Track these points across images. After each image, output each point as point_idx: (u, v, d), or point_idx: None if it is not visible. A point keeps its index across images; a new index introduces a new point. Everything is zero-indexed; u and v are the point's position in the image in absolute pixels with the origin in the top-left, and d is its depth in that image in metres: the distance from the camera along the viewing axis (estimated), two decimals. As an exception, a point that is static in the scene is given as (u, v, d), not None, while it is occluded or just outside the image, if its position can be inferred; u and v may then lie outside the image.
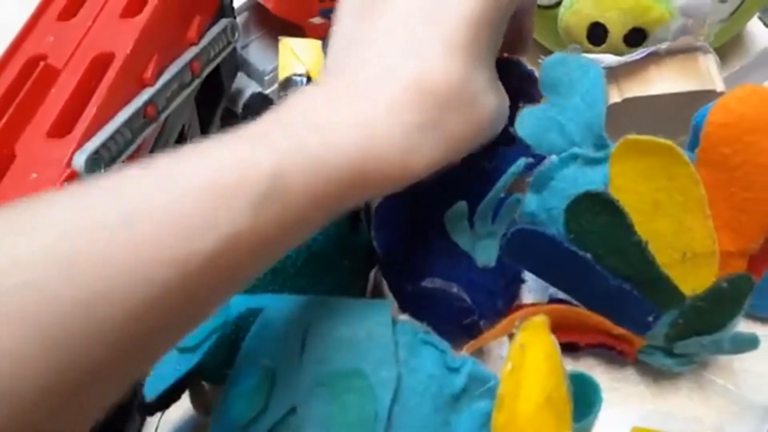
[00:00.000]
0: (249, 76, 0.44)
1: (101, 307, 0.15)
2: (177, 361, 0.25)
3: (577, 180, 0.30)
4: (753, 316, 0.34)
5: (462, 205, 0.31)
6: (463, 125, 0.25)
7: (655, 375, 0.33)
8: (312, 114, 0.22)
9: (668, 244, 0.28)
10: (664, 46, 0.35)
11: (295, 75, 0.32)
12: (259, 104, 0.30)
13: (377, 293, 0.35)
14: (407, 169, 0.23)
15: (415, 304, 0.33)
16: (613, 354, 0.33)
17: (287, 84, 0.31)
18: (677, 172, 0.27)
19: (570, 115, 0.30)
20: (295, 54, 0.33)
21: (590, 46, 0.39)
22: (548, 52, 0.42)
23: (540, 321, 0.24)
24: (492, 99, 0.26)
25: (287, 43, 0.33)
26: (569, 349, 0.33)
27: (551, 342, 0.24)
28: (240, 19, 0.46)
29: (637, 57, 0.35)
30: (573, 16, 0.38)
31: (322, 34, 0.45)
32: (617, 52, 0.35)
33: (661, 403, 0.33)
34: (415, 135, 0.23)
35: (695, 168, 0.27)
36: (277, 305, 0.26)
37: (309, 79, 0.31)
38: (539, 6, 0.42)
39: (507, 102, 0.28)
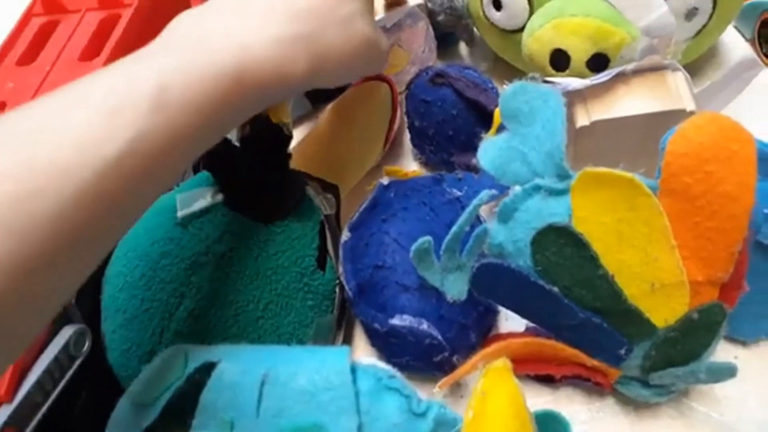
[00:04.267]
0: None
1: (32, 204, 0.19)
2: (134, 417, 0.25)
3: (540, 211, 0.29)
4: (734, 340, 0.33)
5: (427, 240, 0.30)
6: (338, 42, 0.27)
7: (636, 404, 0.32)
8: (194, 29, 0.25)
9: (636, 275, 0.27)
10: (631, 66, 0.35)
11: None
12: (218, 147, 0.30)
13: (349, 331, 0.35)
14: (283, 76, 0.25)
15: (385, 341, 0.32)
16: (592, 385, 0.32)
17: (244, 124, 0.31)
18: (639, 203, 0.26)
19: (531, 144, 0.30)
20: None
21: (554, 72, 0.38)
22: (521, 73, 0.42)
23: (502, 365, 0.24)
24: (367, 27, 0.28)
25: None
26: (548, 380, 0.33)
27: (514, 386, 0.24)
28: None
29: (604, 79, 0.35)
30: (535, 43, 0.38)
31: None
32: (581, 77, 0.35)
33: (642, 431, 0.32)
34: (288, 45, 0.25)
35: (658, 197, 0.26)
36: (234, 357, 0.25)
37: (267, 118, 0.31)
38: (504, 30, 0.42)
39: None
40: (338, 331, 0.34)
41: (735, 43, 0.46)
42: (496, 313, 0.34)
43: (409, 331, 0.31)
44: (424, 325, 0.31)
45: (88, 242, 0.20)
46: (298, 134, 0.38)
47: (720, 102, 0.38)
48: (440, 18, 0.44)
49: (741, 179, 0.25)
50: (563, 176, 0.29)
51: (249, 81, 0.24)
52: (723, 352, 0.33)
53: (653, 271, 0.27)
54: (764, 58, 0.45)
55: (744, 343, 0.33)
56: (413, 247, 0.30)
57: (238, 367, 0.25)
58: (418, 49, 0.45)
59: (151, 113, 0.21)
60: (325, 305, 0.32)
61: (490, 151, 0.31)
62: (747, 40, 0.46)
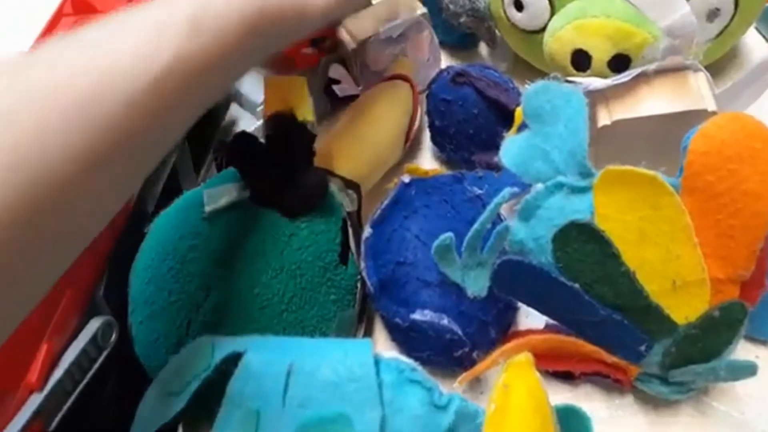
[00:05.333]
0: (242, 106, 0.45)
1: (96, 104, 0.21)
2: (163, 405, 0.25)
3: (563, 209, 0.29)
4: (754, 339, 0.33)
5: (449, 237, 0.30)
6: None
7: (656, 402, 0.32)
8: None
9: (657, 273, 0.27)
10: (652, 66, 0.35)
11: (279, 113, 0.32)
12: (245, 144, 0.31)
13: (370, 326, 0.35)
14: (302, 12, 0.29)
15: (406, 336, 0.33)
16: (611, 382, 0.32)
17: (271, 122, 0.32)
18: (661, 201, 0.26)
19: (554, 143, 0.30)
20: (279, 92, 0.33)
21: (575, 72, 0.38)
22: (541, 74, 0.42)
23: (524, 359, 0.24)
24: None
25: (272, 81, 0.33)
26: (567, 377, 0.33)
27: (536, 380, 0.24)
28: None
29: (626, 79, 0.35)
30: (556, 43, 0.38)
31: (313, 63, 0.46)
32: (602, 78, 0.35)
33: (661, 430, 0.32)
34: None
35: (680, 196, 0.26)
36: (260, 347, 0.26)
37: (293, 116, 0.32)
38: (525, 31, 0.42)
39: None
40: (359, 326, 0.34)
41: (756, 45, 0.46)
42: (516, 309, 0.35)
43: (430, 326, 0.31)
44: (445, 321, 0.31)
45: (140, 144, 0.23)
46: (318, 133, 0.39)
47: (741, 102, 0.38)
48: (462, 20, 0.45)
49: (763, 177, 0.25)
50: (585, 174, 0.29)
51: (271, 15, 0.27)
52: (743, 351, 0.33)
53: (675, 269, 0.27)
54: (786, 58, 0.45)
55: (765, 343, 0.33)
56: (435, 244, 0.31)
57: (264, 358, 0.25)
58: (423, 59, 0.45)
59: (188, 36, 0.23)
60: (347, 300, 0.32)
61: (512, 149, 0.31)
62: (767, 40, 0.46)
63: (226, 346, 0.26)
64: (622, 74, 0.35)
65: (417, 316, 0.31)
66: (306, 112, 0.32)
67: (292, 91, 0.32)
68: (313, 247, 0.31)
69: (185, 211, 0.31)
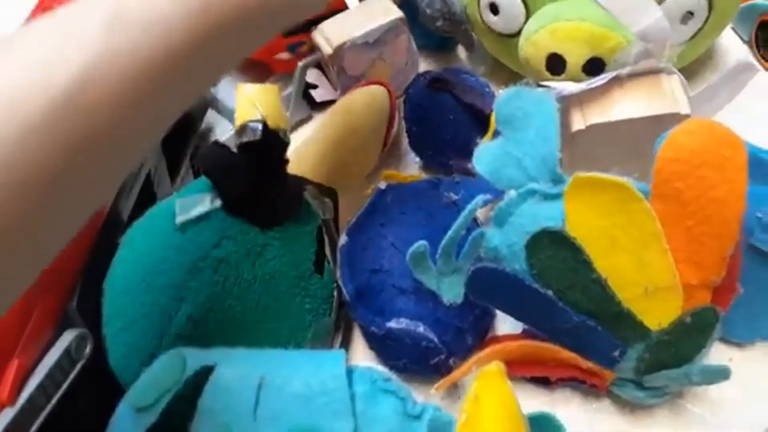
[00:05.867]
0: (219, 112, 0.44)
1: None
2: (134, 421, 0.25)
3: (535, 216, 0.29)
4: (729, 342, 0.34)
5: (422, 244, 0.30)
6: None
7: (632, 405, 0.33)
8: None
9: (629, 279, 0.28)
10: (626, 70, 0.35)
11: (250, 122, 0.32)
12: (216, 153, 0.30)
13: (347, 334, 0.35)
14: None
15: (383, 344, 0.32)
16: (587, 387, 0.32)
17: (243, 131, 0.31)
18: (631, 207, 0.26)
19: (526, 149, 0.30)
20: (251, 100, 0.33)
21: (550, 76, 0.38)
22: (519, 77, 0.42)
23: (494, 369, 0.24)
24: None
25: (243, 90, 0.33)
26: (544, 382, 0.33)
27: (507, 389, 0.24)
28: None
29: (600, 83, 0.35)
30: (531, 47, 0.38)
31: (290, 69, 0.46)
32: (577, 81, 0.35)
33: (638, 432, 0.32)
34: None
35: (651, 202, 0.27)
36: (231, 361, 0.26)
37: (265, 125, 0.31)
38: (501, 34, 0.42)
39: None
40: (336, 334, 0.34)
41: (732, 46, 0.46)
42: (492, 316, 0.35)
43: (406, 334, 0.31)
44: (421, 328, 0.31)
45: (44, 180, 0.18)
46: (296, 139, 0.39)
47: (716, 105, 0.38)
48: (438, 24, 0.44)
49: (732, 185, 0.25)
50: (557, 181, 0.29)
51: (201, 9, 0.21)
52: (718, 353, 0.33)
53: (646, 275, 0.27)
54: (762, 60, 0.45)
55: (739, 345, 0.34)
56: (409, 251, 0.31)
57: (235, 372, 0.25)
58: (401, 63, 0.45)
59: (102, 41, 0.19)
60: (323, 308, 0.32)
61: (485, 155, 0.31)
62: (744, 42, 0.46)
63: (197, 359, 0.26)
64: (596, 78, 0.35)
65: (393, 324, 0.31)
66: (278, 119, 0.32)
67: (264, 98, 0.32)
68: (287, 256, 0.31)
69: (157, 222, 0.31)
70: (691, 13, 0.38)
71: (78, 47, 0.19)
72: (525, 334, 0.33)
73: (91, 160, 0.20)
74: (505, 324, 0.36)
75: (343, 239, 0.34)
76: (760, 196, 0.29)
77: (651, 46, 0.35)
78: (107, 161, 0.20)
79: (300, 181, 0.33)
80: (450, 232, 0.30)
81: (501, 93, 0.31)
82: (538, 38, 0.37)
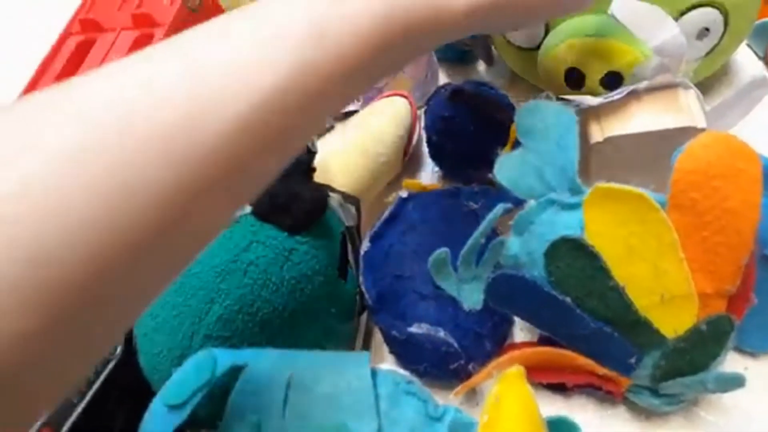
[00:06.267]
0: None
1: (193, 134, 0.18)
2: (166, 418, 0.26)
3: (554, 224, 0.30)
4: (743, 351, 0.34)
5: (444, 252, 0.31)
6: None
7: (647, 413, 0.33)
8: None
9: (646, 288, 0.28)
10: (643, 84, 0.36)
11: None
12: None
13: (368, 338, 0.36)
14: (437, 17, 0.23)
15: (404, 348, 0.33)
16: (603, 393, 0.33)
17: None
18: (648, 218, 0.27)
19: (546, 160, 0.31)
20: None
21: (569, 90, 0.39)
22: (537, 90, 0.43)
23: (515, 372, 0.25)
24: None
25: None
26: (560, 389, 0.34)
27: (527, 392, 0.25)
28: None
29: (618, 96, 0.36)
30: (550, 61, 0.39)
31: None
32: (595, 94, 0.36)
33: (653, 440, 0.33)
34: None
35: (667, 212, 0.27)
36: (260, 361, 0.26)
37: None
38: (521, 48, 0.44)
39: None
40: (358, 338, 0.35)
41: (747, 61, 0.47)
42: (511, 322, 0.35)
43: (426, 339, 0.32)
44: (441, 333, 0.32)
45: (241, 175, 0.19)
46: (320, 148, 0.40)
47: (731, 119, 0.38)
48: (466, 41, 0.46)
49: (747, 197, 0.26)
50: (576, 191, 0.30)
51: (400, 22, 0.22)
52: (733, 362, 0.34)
53: (663, 284, 0.28)
54: (776, 75, 0.46)
55: (753, 355, 0.34)
56: (431, 258, 0.31)
57: (265, 371, 0.26)
58: (421, 75, 0.46)
59: (308, 46, 0.20)
60: (346, 313, 0.33)
61: (506, 166, 0.32)
62: (760, 58, 0.47)
63: (227, 359, 0.27)
64: (614, 92, 0.36)
65: (414, 329, 0.32)
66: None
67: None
68: (313, 261, 0.32)
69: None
70: (707, 30, 0.39)
71: (285, 50, 0.19)
72: (542, 342, 0.33)
73: (275, 157, 0.20)
74: (523, 332, 0.37)
75: (365, 245, 0.35)
76: (775, 208, 0.29)
77: (668, 60, 0.36)
78: (284, 157, 0.21)
79: (325, 189, 0.34)
80: (471, 240, 0.31)
81: (522, 105, 0.32)
82: (557, 52, 0.38)
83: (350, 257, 0.35)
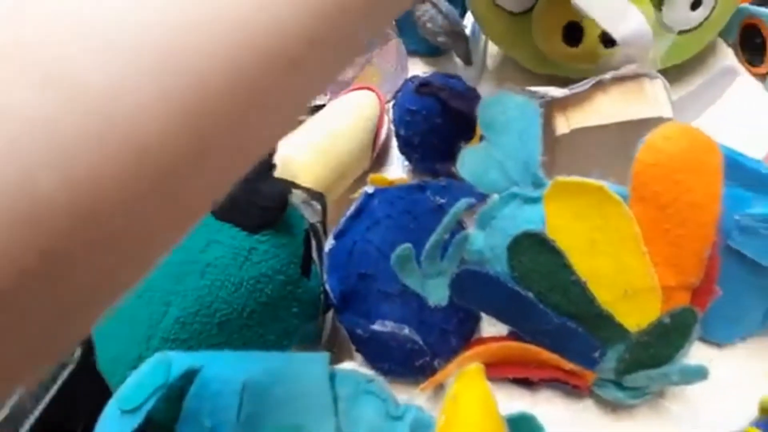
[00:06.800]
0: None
1: None
2: (120, 423, 0.25)
3: (517, 219, 0.30)
4: (710, 343, 0.34)
5: (407, 247, 0.31)
6: None
7: (614, 405, 0.33)
8: None
9: (608, 282, 0.28)
10: (609, 75, 0.36)
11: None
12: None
13: (335, 337, 0.36)
14: None
15: (368, 347, 0.33)
16: (570, 387, 0.33)
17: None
18: (610, 211, 0.27)
19: (508, 153, 0.31)
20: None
21: (565, 49, 0.38)
22: (525, 71, 0.42)
23: (473, 370, 0.25)
24: None
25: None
26: (528, 383, 0.34)
27: (485, 390, 0.24)
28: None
29: (583, 87, 0.35)
30: (547, 18, 0.38)
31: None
32: (593, 54, 0.35)
33: (620, 432, 0.33)
34: None
35: (629, 205, 0.27)
36: (215, 363, 0.26)
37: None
38: (511, 13, 0.41)
39: None
40: (324, 337, 0.35)
41: (717, 50, 0.47)
42: (478, 318, 0.35)
43: (390, 337, 0.31)
44: (406, 331, 0.31)
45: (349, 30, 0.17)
46: (285, 143, 0.39)
47: (699, 108, 0.38)
48: (440, 38, 0.45)
49: (708, 189, 0.26)
50: (538, 184, 0.30)
51: None
52: (699, 353, 0.34)
53: (625, 277, 0.28)
54: (746, 63, 0.45)
55: (719, 346, 0.34)
56: (394, 254, 0.31)
57: (219, 374, 0.25)
58: (390, 68, 0.46)
59: None
60: (310, 312, 0.33)
61: (469, 159, 0.32)
62: (729, 45, 0.47)
63: (183, 362, 0.26)
64: (579, 83, 0.36)
65: (378, 326, 0.32)
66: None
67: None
68: (274, 260, 0.31)
69: (146, 227, 0.31)
70: (699, 2, 0.38)
71: None
72: (510, 336, 0.33)
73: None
74: (491, 326, 0.36)
75: (329, 243, 0.34)
76: (738, 198, 0.29)
77: (633, 51, 0.36)
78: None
79: (286, 185, 0.33)
80: (434, 235, 0.31)
81: (484, 98, 0.32)
82: (554, 7, 0.37)
83: (315, 255, 0.34)
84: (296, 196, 0.35)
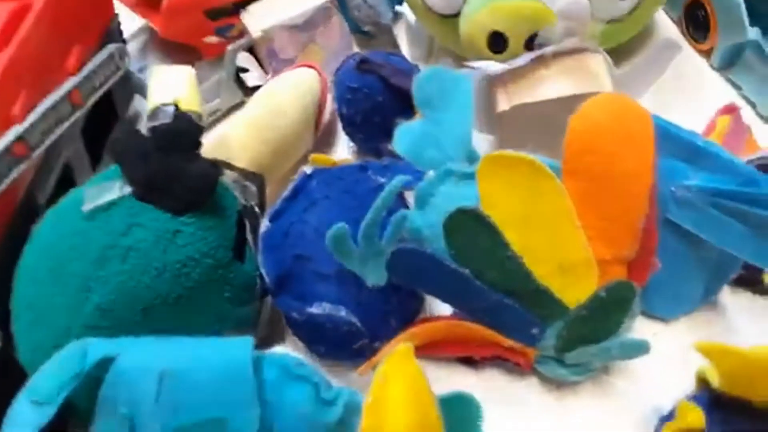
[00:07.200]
0: (145, 98, 0.43)
1: None
2: (30, 416, 0.24)
3: (453, 196, 0.29)
4: (653, 317, 0.34)
5: (342, 226, 0.30)
6: None
7: (558, 383, 0.33)
8: None
9: (544, 257, 0.27)
10: (550, 49, 0.35)
11: (162, 105, 0.31)
12: (125, 137, 0.29)
13: (276, 321, 0.35)
14: None
15: (304, 330, 0.32)
16: (513, 365, 0.32)
17: (155, 114, 0.30)
18: (541, 185, 0.26)
19: (444, 129, 0.30)
20: (164, 83, 0.32)
21: (492, 55, 0.38)
22: (461, 59, 0.42)
23: (403, 350, 0.24)
24: None
25: (157, 71, 0.32)
26: (472, 362, 0.33)
27: (415, 370, 0.24)
28: (137, 43, 0.45)
29: (523, 62, 0.35)
30: (472, 26, 0.38)
31: (220, 53, 0.44)
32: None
33: (563, 409, 0.32)
34: None
35: (562, 179, 0.26)
36: (133, 350, 0.25)
37: (177, 108, 0.30)
38: (441, 15, 0.42)
39: None
40: (262, 322, 0.33)
41: (662, 24, 0.47)
42: (421, 297, 0.34)
43: (327, 319, 0.30)
44: (343, 313, 0.30)
45: None
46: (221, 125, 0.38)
47: (641, 85, 0.38)
48: (366, 28, 0.45)
49: (640, 158, 0.26)
50: (474, 160, 0.29)
51: None
52: (643, 328, 0.33)
53: (560, 252, 0.27)
54: (691, 39, 0.45)
55: (664, 320, 0.34)
56: (328, 234, 0.30)
57: (137, 362, 0.24)
58: (334, 46, 0.45)
59: None
60: (244, 297, 0.32)
61: (405, 136, 0.31)
62: (674, 21, 0.47)
63: (99, 350, 0.25)
64: (519, 58, 0.35)
65: (313, 309, 0.31)
66: (192, 102, 0.31)
67: (178, 80, 0.31)
68: (201, 243, 0.30)
69: (67, 210, 0.30)
70: None
71: None
72: (454, 316, 0.32)
73: None
74: (437, 305, 0.36)
75: (264, 225, 0.33)
76: (674, 170, 0.29)
77: (573, 24, 0.35)
78: None
79: (215, 166, 0.32)
80: (369, 213, 0.30)
81: (419, 73, 0.31)
82: (478, 17, 0.37)
83: (249, 238, 0.33)
84: (229, 177, 0.33)
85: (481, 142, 0.35)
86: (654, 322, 0.34)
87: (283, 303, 0.32)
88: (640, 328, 0.33)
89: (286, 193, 0.34)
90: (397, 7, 0.47)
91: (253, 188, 0.34)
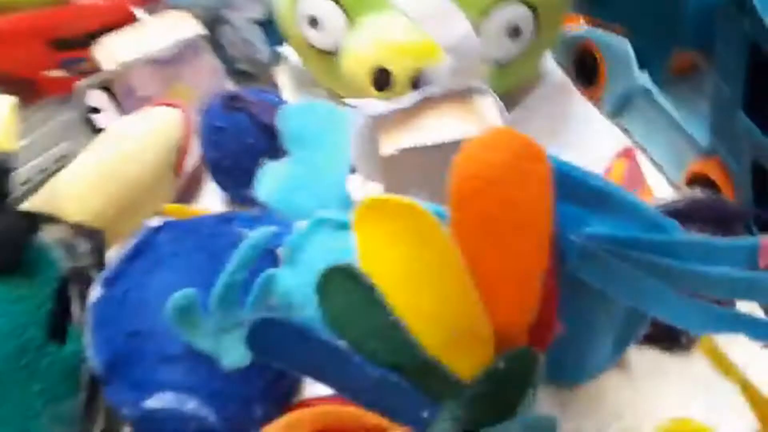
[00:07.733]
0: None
1: None
2: None
3: (327, 249, 0.24)
4: (561, 384, 0.30)
5: (188, 292, 0.24)
6: None
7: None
8: None
9: (432, 322, 0.23)
10: (438, 90, 0.32)
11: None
12: None
13: (109, 419, 0.28)
14: None
15: (142, 429, 0.25)
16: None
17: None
18: (426, 235, 0.22)
19: (317, 171, 0.25)
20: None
21: (376, 93, 0.35)
22: (340, 98, 0.38)
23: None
24: None
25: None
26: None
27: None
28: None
29: (409, 104, 0.32)
30: (354, 62, 0.35)
31: (66, 89, 0.38)
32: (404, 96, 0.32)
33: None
34: None
35: (449, 228, 0.22)
36: None
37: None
38: (321, 51, 0.39)
39: None
40: (90, 419, 0.26)
41: (553, 71, 0.46)
42: (295, 377, 0.29)
43: (169, 415, 0.24)
44: (191, 405, 0.24)
45: None
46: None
47: (533, 129, 0.36)
48: (239, 65, 0.41)
49: (535, 203, 0.22)
50: (350, 206, 0.25)
51: None
52: (550, 398, 0.30)
53: (451, 316, 0.23)
54: (581, 86, 0.45)
55: (571, 387, 0.30)
56: (169, 302, 0.24)
57: None
58: (205, 85, 0.40)
59: None
60: (62, 388, 0.25)
61: (269, 179, 0.26)
62: (564, 68, 0.46)
63: None
64: (406, 98, 0.32)
65: (152, 402, 0.24)
66: (3, 140, 0.24)
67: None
68: (3, 319, 0.23)
69: None
70: (517, 29, 0.37)
71: None
72: (337, 398, 0.27)
73: None
74: (318, 386, 0.30)
75: (95, 293, 0.26)
76: (573, 216, 0.26)
77: (463, 63, 0.33)
78: None
79: (32, 219, 0.25)
80: (223, 276, 0.24)
81: (288, 106, 0.26)
82: (362, 52, 0.35)
83: (76, 311, 0.26)
84: (52, 233, 0.27)
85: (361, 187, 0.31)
86: (561, 390, 0.31)
87: (113, 394, 0.25)
88: (546, 397, 0.30)
89: (124, 251, 0.28)
90: (279, 48, 0.44)
91: (87, 247, 0.28)
